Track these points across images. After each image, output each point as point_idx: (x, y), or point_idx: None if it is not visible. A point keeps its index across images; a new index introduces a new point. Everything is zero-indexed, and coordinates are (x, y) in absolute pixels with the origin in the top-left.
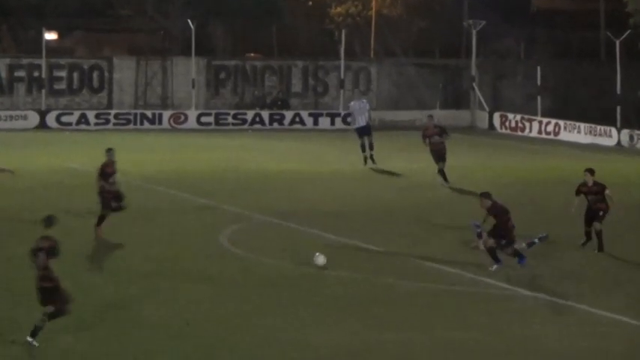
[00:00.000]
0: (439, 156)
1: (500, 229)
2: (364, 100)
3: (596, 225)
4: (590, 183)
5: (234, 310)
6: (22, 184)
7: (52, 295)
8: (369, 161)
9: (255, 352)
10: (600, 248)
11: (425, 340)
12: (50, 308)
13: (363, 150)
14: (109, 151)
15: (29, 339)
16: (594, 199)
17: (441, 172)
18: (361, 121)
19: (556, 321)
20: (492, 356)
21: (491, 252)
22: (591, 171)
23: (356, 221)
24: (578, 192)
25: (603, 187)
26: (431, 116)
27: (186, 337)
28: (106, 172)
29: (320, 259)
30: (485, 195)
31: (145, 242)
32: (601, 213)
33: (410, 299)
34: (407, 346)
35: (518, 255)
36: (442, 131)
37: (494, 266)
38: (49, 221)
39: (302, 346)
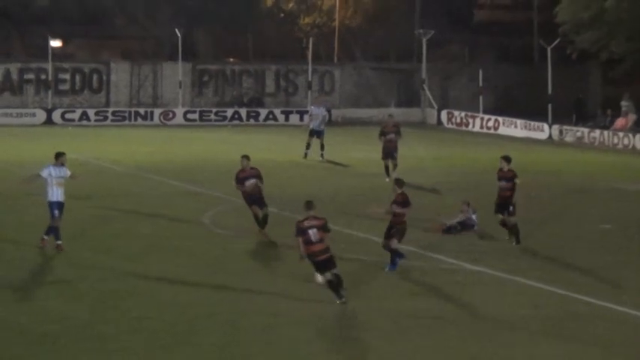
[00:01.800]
0: (388, 153)
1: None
2: (323, 107)
3: (511, 219)
4: (505, 169)
5: (217, 282)
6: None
7: (331, 262)
8: (320, 157)
9: (234, 319)
10: (517, 241)
11: (381, 308)
12: (335, 271)
13: (307, 147)
14: (244, 158)
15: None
16: (505, 186)
17: (386, 169)
18: (315, 125)
19: (496, 291)
20: (442, 322)
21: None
22: (507, 158)
23: (324, 204)
24: (498, 178)
25: (514, 175)
26: (391, 115)
27: (175, 306)
28: (239, 177)
29: (319, 279)
30: (399, 182)
31: (137, 222)
32: (511, 208)
33: (373, 273)
34: (370, 315)
35: (399, 255)
36: (398, 130)
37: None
38: (309, 204)
39: (273, 312)
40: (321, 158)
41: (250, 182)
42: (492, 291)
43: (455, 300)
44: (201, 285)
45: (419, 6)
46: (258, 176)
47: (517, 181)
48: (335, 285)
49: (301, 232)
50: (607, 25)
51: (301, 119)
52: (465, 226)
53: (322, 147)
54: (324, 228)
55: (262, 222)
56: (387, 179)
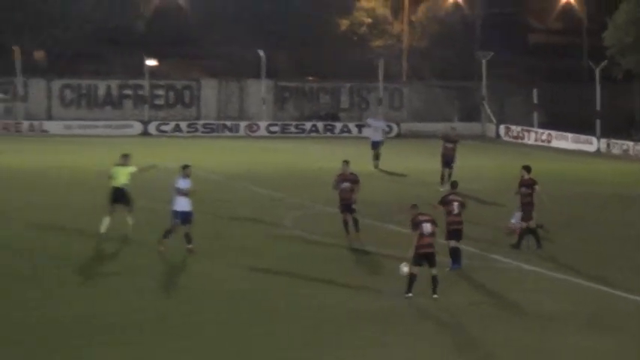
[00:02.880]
0: (446, 162)
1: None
2: (382, 120)
3: (531, 223)
4: (526, 177)
5: (294, 281)
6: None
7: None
8: (373, 167)
9: (315, 315)
10: (538, 245)
11: (442, 302)
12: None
13: (376, 158)
14: (345, 163)
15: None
16: (525, 192)
17: (442, 177)
18: (375, 137)
19: (545, 288)
20: (495, 317)
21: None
22: (527, 168)
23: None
24: (519, 185)
25: (534, 182)
26: (454, 128)
27: (247, 301)
28: (338, 180)
29: (404, 269)
30: (454, 185)
31: (224, 224)
32: (533, 213)
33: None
34: (432, 309)
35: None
36: (457, 140)
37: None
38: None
39: (346, 308)
40: (374, 168)
41: (344, 185)
42: (541, 288)
43: (507, 296)
44: (273, 280)
45: (479, 30)
46: (354, 181)
47: (537, 187)
48: (434, 281)
49: (416, 225)
50: None
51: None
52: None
53: (378, 157)
54: (434, 223)
55: (354, 226)
56: (442, 188)
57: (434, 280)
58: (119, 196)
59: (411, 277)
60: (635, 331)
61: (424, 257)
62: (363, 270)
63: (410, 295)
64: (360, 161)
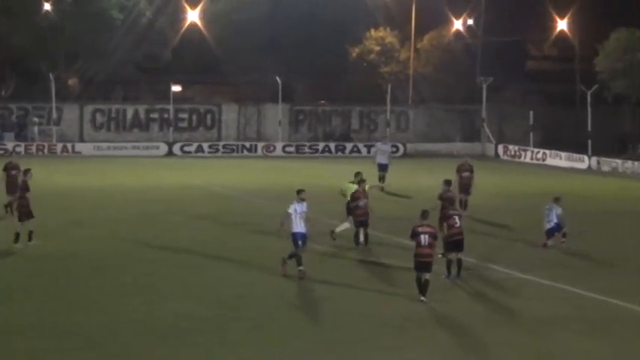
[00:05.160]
0: (463, 188)
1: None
2: (389, 144)
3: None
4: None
5: (313, 291)
6: (161, 194)
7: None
8: (380, 190)
9: (331, 322)
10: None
11: (445, 310)
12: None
13: (381, 180)
14: (357, 175)
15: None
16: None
17: (462, 202)
18: (382, 160)
19: (543, 296)
20: (496, 323)
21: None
22: (447, 182)
23: (400, 224)
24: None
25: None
26: (466, 158)
27: (290, 308)
28: (354, 196)
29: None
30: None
31: (239, 237)
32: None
33: (436, 281)
34: (438, 316)
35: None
36: (472, 169)
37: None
38: (425, 214)
39: (362, 313)
40: (380, 191)
41: (362, 203)
42: (539, 295)
43: (508, 303)
44: (295, 290)
45: (480, 57)
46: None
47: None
48: (425, 285)
49: (414, 235)
50: (638, 73)
51: (373, 148)
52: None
53: (383, 179)
54: (434, 236)
55: (365, 240)
56: (465, 212)
57: (425, 283)
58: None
59: (418, 281)
60: (631, 336)
61: (422, 265)
62: (377, 278)
63: (423, 299)
64: (369, 179)
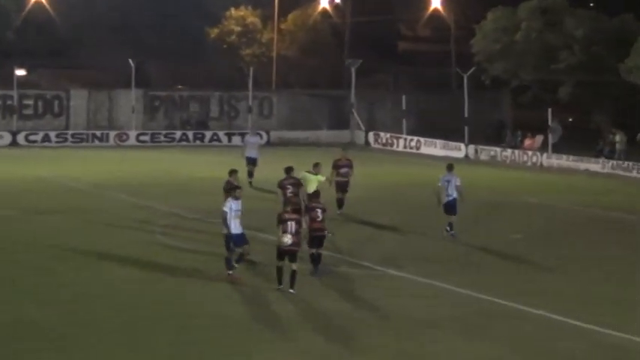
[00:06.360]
0: (341, 188)
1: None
2: (258, 135)
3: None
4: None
5: (164, 289)
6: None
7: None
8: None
9: (180, 321)
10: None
11: (314, 310)
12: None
13: (249, 175)
14: (342, 149)
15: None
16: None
17: (338, 202)
18: (251, 153)
19: (418, 294)
20: (368, 323)
21: None
22: (288, 169)
23: (263, 218)
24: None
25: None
26: (344, 149)
27: (126, 309)
28: (337, 164)
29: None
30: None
31: (92, 233)
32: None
33: (308, 278)
34: (307, 317)
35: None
36: (351, 164)
37: None
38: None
39: (219, 316)
40: (249, 187)
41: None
42: (414, 294)
43: (381, 302)
44: (151, 289)
45: (348, 38)
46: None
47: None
48: (293, 276)
49: (281, 222)
50: (516, 55)
51: (242, 140)
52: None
53: (252, 174)
54: (299, 222)
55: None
56: (339, 212)
57: (293, 275)
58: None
59: (279, 270)
60: (510, 335)
61: (286, 254)
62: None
63: (281, 287)
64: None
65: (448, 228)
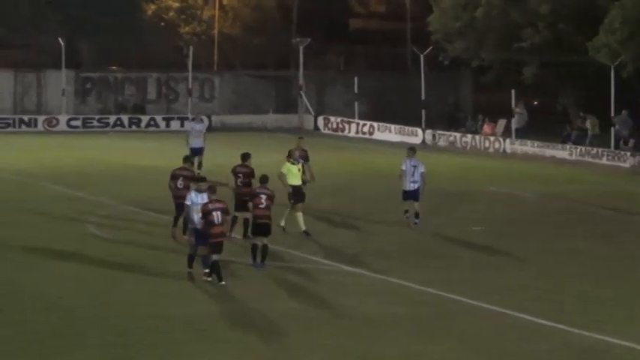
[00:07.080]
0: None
1: None
2: (204, 122)
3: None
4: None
5: (99, 285)
6: None
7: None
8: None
9: (115, 322)
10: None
11: (260, 308)
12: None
13: (198, 166)
14: (300, 138)
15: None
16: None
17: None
18: (196, 143)
19: (372, 291)
20: (316, 322)
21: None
22: (244, 156)
23: None
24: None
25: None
26: (301, 138)
27: (59, 309)
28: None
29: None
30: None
31: (22, 227)
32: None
33: (252, 273)
34: (249, 315)
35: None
36: (306, 156)
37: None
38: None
39: (157, 315)
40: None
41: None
42: (368, 291)
43: (331, 299)
44: (85, 287)
45: (296, 16)
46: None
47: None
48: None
49: (205, 214)
50: (477, 33)
51: (182, 125)
52: None
53: (200, 165)
54: (225, 211)
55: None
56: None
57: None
58: None
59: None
60: (470, 336)
61: (215, 246)
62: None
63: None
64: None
65: (413, 217)
